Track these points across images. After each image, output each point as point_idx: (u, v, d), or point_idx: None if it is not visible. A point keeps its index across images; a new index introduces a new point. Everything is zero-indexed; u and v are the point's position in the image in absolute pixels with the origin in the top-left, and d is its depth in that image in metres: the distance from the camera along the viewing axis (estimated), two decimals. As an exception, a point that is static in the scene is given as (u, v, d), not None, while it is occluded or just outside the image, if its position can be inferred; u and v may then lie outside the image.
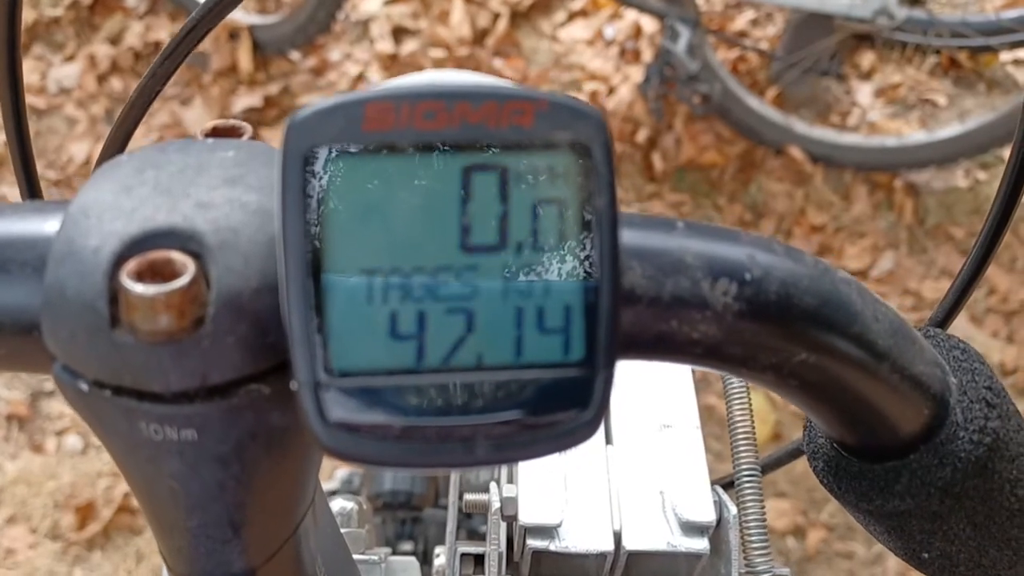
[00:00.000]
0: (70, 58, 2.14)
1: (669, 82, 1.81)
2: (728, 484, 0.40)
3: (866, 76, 2.07)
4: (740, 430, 0.35)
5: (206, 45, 2.09)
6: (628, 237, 0.22)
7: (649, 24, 2.05)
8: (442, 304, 0.20)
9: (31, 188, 0.35)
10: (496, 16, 2.15)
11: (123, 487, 1.59)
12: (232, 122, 0.23)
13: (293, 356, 0.19)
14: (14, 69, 0.31)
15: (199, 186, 0.21)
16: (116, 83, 2.10)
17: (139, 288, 0.19)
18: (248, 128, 0.23)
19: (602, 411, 0.21)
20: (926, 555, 0.28)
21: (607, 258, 0.20)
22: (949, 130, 1.82)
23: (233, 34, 2.07)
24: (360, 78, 2.09)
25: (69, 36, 2.17)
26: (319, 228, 0.19)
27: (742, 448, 0.35)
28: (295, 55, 2.09)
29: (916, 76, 2.07)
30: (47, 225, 0.22)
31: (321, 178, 0.19)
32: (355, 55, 2.12)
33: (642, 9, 1.78)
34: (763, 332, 0.23)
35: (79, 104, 2.08)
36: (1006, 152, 1.94)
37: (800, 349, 0.23)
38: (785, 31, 1.96)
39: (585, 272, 0.21)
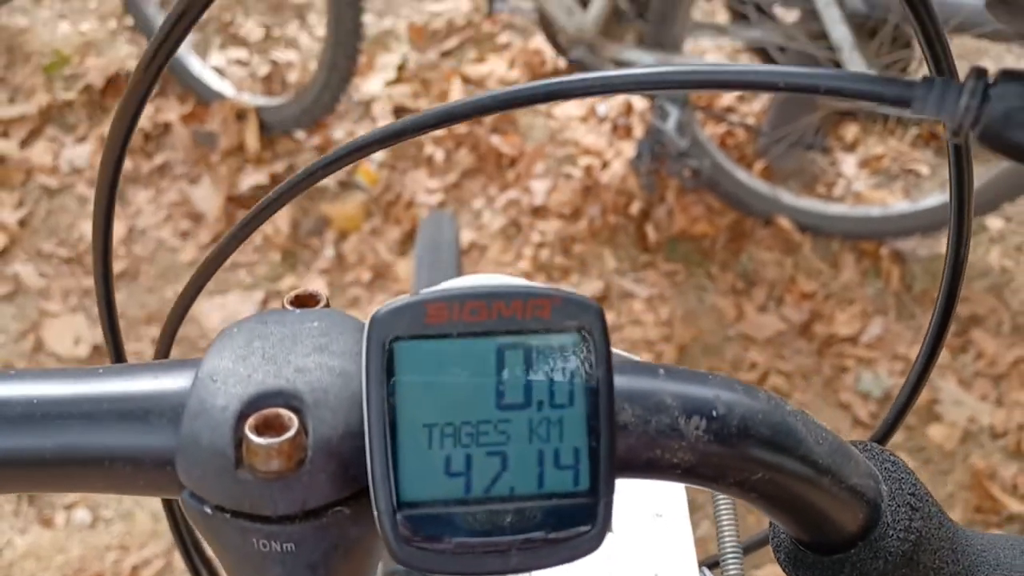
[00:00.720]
0: (82, 139, 2.22)
1: (660, 158, 1.89)
2: (713, 564, 0.45)
3: (850, 148, 2.16)
4: (724, 513, 0.40)
5: (215, 125, 2.17)
6: (621, 382, 0.28)
7: (639, 101, 2.14)
8: (484, 449, 0.26)
9: (117, 352, 0.42)
10: (493, 95, 2.23)
11: (131, 561, 1.62)
12: (310, 290, 0.29)
13: (374, 490, 0.25)
14: (107, 255, 0.37)
15: (296, 354, 0.27)
16: (126, 163, 2.17)
17: (259, 440, 0.25)
18: (323, 295, 0.29)
19: (606, 527, 0.27)
20: None
21: (605, 412, 0.27)
22: (932, 199, 1.89)
23: (240, 115, 2.15)
24: (363, 155, 2.16)
25: (81, 118, 2.26)
26: (393, 395, 0.26)
27: (726, 531, 0.40)
28: (300, 134, 2.17)
29: (898, 147, 2.16)
30: (178, 383, 0.28)
31: (395, 357, 0.26)
32: (358, 133, 2.20)
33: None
34: (728, 457, 0.29)
35: (90, 183, 2.14)
36: (988, 219, 2.01)
37: (758, 469, 0.29)
38: (770, 107, 2.05)
39: (589, 422, 0.27)
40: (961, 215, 0.35)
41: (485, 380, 0.26)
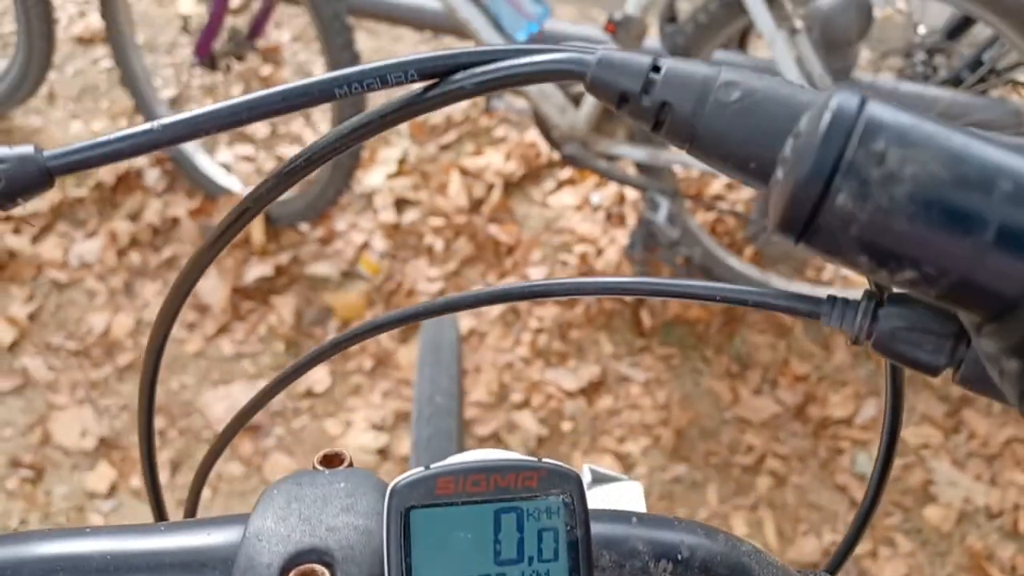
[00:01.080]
0: (92, 234, 2.29)
1: (652, 247, 1.95)
2: None
3: (837, 232, 2.22)
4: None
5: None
6: (599, 529, 0.33)
7: (631, 192, 2.21)
8: None
9: (160, 510, 0.46)
10: (490, 186, 2.32)
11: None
12: (336, 450, 0.34)
13: None
14: (150, 429, 0.42)
15: (327, 514, 0.32)
16: (135, 256, 2.24)
17: None
18: (347, 455, 0.34)
19: None
20: None
21: (584, 565, 0.32)
22: (917, 283, 1.95)
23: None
24: (365, 246, 2.23)
25: (91, 214, 2.33)
26: (409, 555, 0.31)
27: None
28: (304, 226, 2.24)
29: (884, 230, 2.22)
30: (227, 538, 0.32)
31: (410, 523, 0.31)
32: (360, 224, 2.27)
33: (623, 182, 1.95)
34: None
35: (99, 277, 2.20)
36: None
37: None
38: (759, 195, 2.12)
39: (571, 574, 0.32)
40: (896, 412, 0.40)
41: (485, 540, 0.31)
